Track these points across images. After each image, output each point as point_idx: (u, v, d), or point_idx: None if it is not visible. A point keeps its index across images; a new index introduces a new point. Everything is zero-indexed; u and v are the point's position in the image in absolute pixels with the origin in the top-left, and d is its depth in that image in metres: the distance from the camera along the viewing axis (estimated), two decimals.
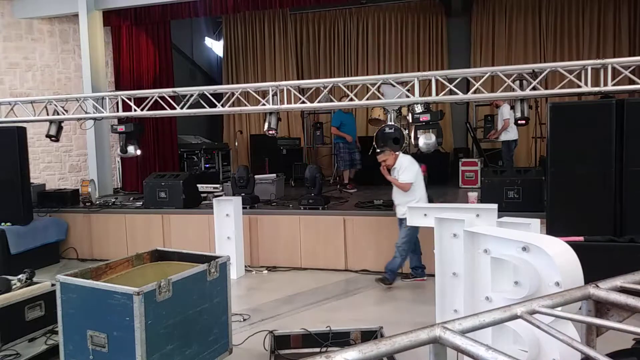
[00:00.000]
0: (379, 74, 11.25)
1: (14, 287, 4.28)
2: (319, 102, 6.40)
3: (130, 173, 9.97)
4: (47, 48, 9.24)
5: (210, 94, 6.75)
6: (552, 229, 4.64)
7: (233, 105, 6.77)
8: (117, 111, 7.04)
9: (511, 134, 8.60)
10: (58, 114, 7.16)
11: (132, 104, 6.89)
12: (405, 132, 8.63)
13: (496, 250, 3.21)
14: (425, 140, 6.04)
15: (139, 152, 7.35)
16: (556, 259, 2.85)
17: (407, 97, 6.12)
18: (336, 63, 12.29)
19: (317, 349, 3.88)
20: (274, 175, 8.45)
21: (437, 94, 5.94)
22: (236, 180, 7.05)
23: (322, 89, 6.26)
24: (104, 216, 7.30)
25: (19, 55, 8.97)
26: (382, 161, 5.51)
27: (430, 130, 6.07)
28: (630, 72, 5.35)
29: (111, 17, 9.43)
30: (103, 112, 7.13)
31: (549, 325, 1.16)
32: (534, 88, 5.57)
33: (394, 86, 6.20)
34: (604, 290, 1.30)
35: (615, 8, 10.49)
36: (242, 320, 4.67)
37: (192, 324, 3.45)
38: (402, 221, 5.38)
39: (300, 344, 3.94)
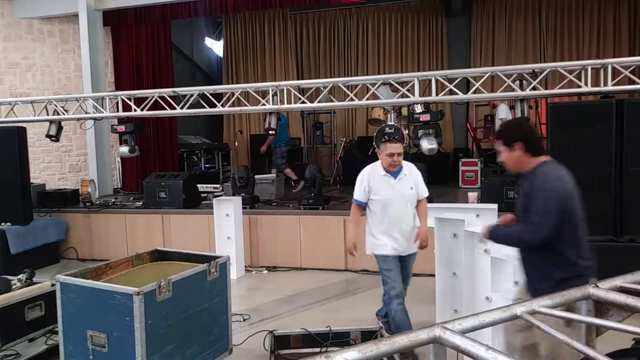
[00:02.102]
0: (379, 74, 11.24)
1: (14, 287, 4.28)
2: (319, 102, 6.40)
3: (130, 173, 9.97)
4: (47, 48, 9.24)
5: (210, 94, 6.75)
6: None
7: (233, 105, 6.77)
8: (117, 111, 7.05)
9: None
10: (58, 114, 7.16)
11: (132, 104, 6.90)
12: (406, 132, 8.63)
13: (496, 250, 3.21)
14: (429, 145, 6.04)
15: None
16: None
17: (407, 97, 6.13)
18: (336, 63, 12.27)
19: (317, 349, 3.88)
20: (274, 175, 8.45)
21: (437, 94, 5.94)
22: (236, 180, 7.06)
23: (322, 89, 6.27)
24: (104, 216, 7.30)
25: (19, 55, 8.98)
26: (397, 154, 3.77)
27: (431, 131, 6.07)
28: (630, 72, 5.36)
29: (111, 17, 9.43)
30: (103, 112, 7.13)
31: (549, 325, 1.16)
32: (534, 88, 5.57)
33: (394, 91, 6.17)
34: (604, 290, 1.30)
35: (615, 8, 10.48)
36: (242, 320, 4.67)
37: (192, 324, 3.45)
38: (410, 259, 3.97)
39: (300, 344, 3.94)
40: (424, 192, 3.98)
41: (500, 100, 8.55)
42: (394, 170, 3.83)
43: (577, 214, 2.59)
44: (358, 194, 3.95)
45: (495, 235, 2.73)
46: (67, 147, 9.43)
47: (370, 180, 3.88)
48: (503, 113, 8.55)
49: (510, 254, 3.12)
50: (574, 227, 2.58)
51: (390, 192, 3.81)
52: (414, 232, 3.86)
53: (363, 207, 3.95)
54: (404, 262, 3.90)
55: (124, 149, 7.31)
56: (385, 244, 3.84)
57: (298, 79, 10.78)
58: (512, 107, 7.64)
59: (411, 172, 3.91)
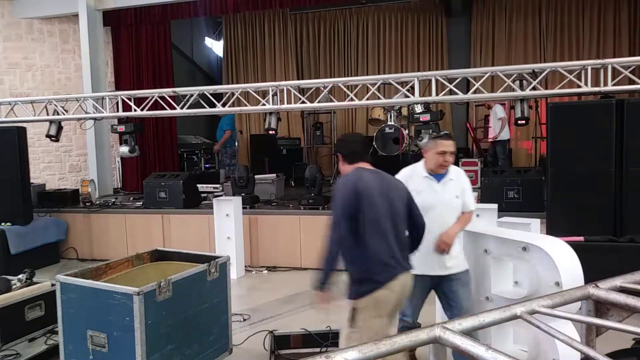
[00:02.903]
0: (379, 74, 11.24)
1: (14, 287, 4.28)
2: (319, 102, 6.40)
3: (130, 173, 9.97)
4: (47, 48, 9.24)
5: (210, 94, 6.75)
6: (552, 229, 4.64)
7: (233, 105, 6.77)
8: (117, 111, 7.04)
9: (505, 133, 8.67)
10: (58, 114, 7.16)
11: (132, 104, 6.90)
12: (406, 132, 8.64)
13: (496, 250, 3.21)
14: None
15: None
16: (556, 259, 2.86)
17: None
18: (336, 63, 12.28)
19: (317, 349, 3.88)
20: (274, 175, 8.45)
21: (437, 94, 5.94)
22: (236, 180, 7.05)
23: (322, 89, 6.27)
24: (104, 216, 7.30)
25: (19, 55, 8.98)
26: (449, 153, 3.22)
27: (431, 131, 6.07)
28: (630, 72, 5.36)
29: (111, 17, 9.43)
30: (103, 112, 7.13)
31: (549, 325, 1.16)
32: (534, 88, 5.57)
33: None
34: (604, 290, 1.30)
35: (615, 8, 10.48)
36: (242, 320, 4.67)
37: (192, 324, 3.45)
38: (456, 281, 3.21)
39: (300, 344, 3.94)
40: (471, 205, 3.31)
41: (493, 101, 8.61)
42: (441, 172, 3.25)
43: (374, 216, 2.70)
44: None
45: (320, 274, 2.76)
46: (67, 147, 9.43)
47: (408, 182, 3.23)
48: (501, 112, 8.59)
49: (510, 254, 3.12)
50: (371, 226, 2.69)
51: (432, 197, 3.20)
52: (458, 251, 3.23)
53: None
54: (447, 284, 3.19)
55: (124, 149, 7.31)
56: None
57: (298, 79, 10.79)
58: (512, 107, 7.65)
59: (458, 178, 3.31)
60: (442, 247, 3.14)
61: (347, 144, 3.04)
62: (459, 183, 3.28)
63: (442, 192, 3.22)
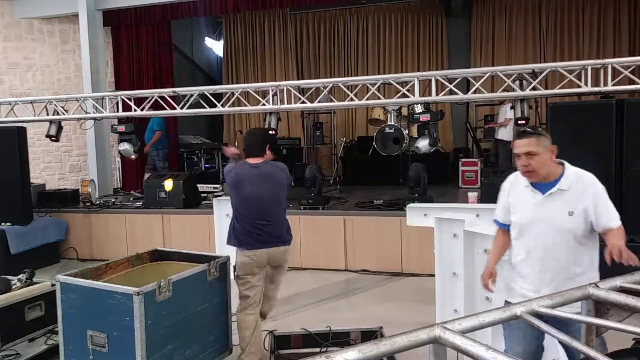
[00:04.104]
0: (379, 74, 11.24)
1: (14, 287, 4.27)
2: (319, 102, 6.40)
3: (130, 173, 9.97)
4: (47, 48, 9.24)
5: (210, 94, 6.75)
6: None
7: (233, 105, 6.77)
8: (117, 111, 7.04)
9: (509, 134, 8.65)
10: (58, 114, 7.16)
11: (132, 104, 6.89)
12: (406, 132, 8.64)
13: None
14: (422, 144, 6.08)
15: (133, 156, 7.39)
16: None
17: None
18: (336, 63, 12.28)
19: (317, 349, 3.88)
20: None
21: (437, 94, 5.94)
22: None
23: (322, 89, 6.27)
24: (104, 216, 7.30)
25: (19, 55, 8.98)
26: (524, 154, 2.47)
27: (427, 132, 6.09)
28: (630, 72, 5.35)
29: (111, 17, 9.43)
30: (103, 112, 7.13)
31: (549, 325, 1.17)
32: (534, 88, 5.57)
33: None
34: (604, 290, 1.30)
35: (615, 8, 10.49)
36: None
37: (192, 324, 3.45)
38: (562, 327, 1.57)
39: (300, 344, 3.94)
40: (609, 221, 2.42)
41: (507, 100, 8.59)
42: (536, 180, 2.48)
43: (239, 202, 3.61)
44: (497, 210, 2.76)
45: None
46: (67, 147, 9.43)
47: (510, 191, 2.65)
48: (510, 113, 8.57)
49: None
50: (239, 206, 3.61)
51: (530, 213, 2.48)
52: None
53: (506, 230, 2.69)
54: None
55: (127, 147, 7.27)
56: (513, 288, 2.58)
57: (298, 79, 10.79)
58: (512, 107, 7.66)
59: (577, 187, 2.46)
60: (627, 258, 2.27)
61: (244, 140, 3.81)
62: (575, 194, 2.43)
63: (545, 207, 2.44)
